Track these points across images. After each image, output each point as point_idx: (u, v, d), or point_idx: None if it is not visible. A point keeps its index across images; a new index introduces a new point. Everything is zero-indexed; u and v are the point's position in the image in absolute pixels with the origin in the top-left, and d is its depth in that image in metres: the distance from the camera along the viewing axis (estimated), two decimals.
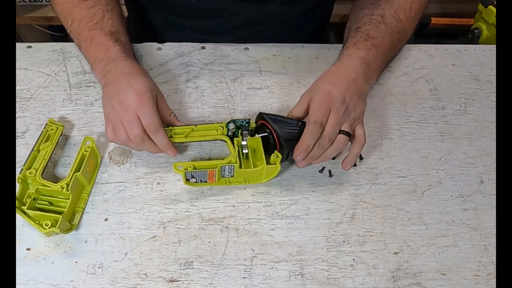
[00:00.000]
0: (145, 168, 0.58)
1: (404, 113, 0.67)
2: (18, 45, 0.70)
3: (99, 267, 0.50)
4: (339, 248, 0.53)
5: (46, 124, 0.58)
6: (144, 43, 0.72)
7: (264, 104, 0.66)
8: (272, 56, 0.72)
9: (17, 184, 0.52)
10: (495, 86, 0.71)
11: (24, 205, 0.51)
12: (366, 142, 0.57)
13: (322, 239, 0.54)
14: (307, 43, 0.74)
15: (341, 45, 0.67)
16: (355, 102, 0.56)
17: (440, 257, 0.53)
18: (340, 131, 0.54)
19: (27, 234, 0.52)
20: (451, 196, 0.58)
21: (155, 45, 0.72)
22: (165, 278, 0.50)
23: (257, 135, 0.56)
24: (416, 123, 0.65)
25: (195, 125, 0.57)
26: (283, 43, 0.74)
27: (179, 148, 0.60)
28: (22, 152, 0.58)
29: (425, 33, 1.22)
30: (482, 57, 0.75)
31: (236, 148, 0.55)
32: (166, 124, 0.57)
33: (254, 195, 0.57)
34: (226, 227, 0.54)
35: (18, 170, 0.56)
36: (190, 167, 0.53)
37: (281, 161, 0.55)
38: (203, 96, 0.66)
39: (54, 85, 0.66)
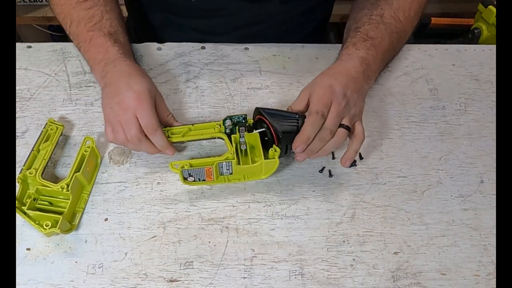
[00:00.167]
0: (145, 168, 0.58)
1: (404, 113, 0.67)
2: (18, 45, 0.70)
3: (99, 267, 0.50)
4: (339, 248, 0.53)
5: (46, 124, 0.58)
6: (144, 43, 0.72)
7: (264, 104, 0.66)
8: (272, 56, 0.72)
9: (17, 184, 0.52)
10: (495, 86, 0.71)
11: (24, 205, 0.51)
12: (366, 142, 0.57)
13: (322, 239, 0.54)
14: (307, 43, 0.74)
15: (341, 45, 0.67)
16: (355, 98, 0.56)
17: (440, 257, 0.53)
18: (340, 125, 0.54)
19: (27, 234, 0.52)
20: (451, 196, 0.58)
21: (155, 45, 0.72)
22: (165, 278, 0.50)
23: (255, 131, 0.55)
24: (416, 123, 0.65)
25: (192, 124, 0.57)
26: (283, 43, 0.74)
27: (179, 149, 0.60)
28: (22, 152, 0.58)
29: (425, 33, 1.22)
30: (482, 57, 0.75)
31: (234, 144, 0.55)
32: (164, 124, 0.57)
33: (254, 195, 0.57)
34: (226, 227, 0.54)
35: (18, 170, 0.56)
36: (186, 165, 0.52)
37: (280, 156, 0.54)
38: (203, 96, 0.66)
39: (54, 85, 0.66)
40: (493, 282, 0.52)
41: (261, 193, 0.57)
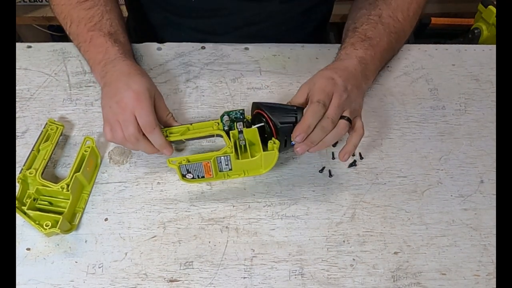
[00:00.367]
0: (145, 168, 0.58)
1: (404, 113, 0.67)
2: (18, 45, 0.70)
3: (99, 267, 0.50)
4: (339, 248, 0.53)
5: (46, 124, 0.58)
6: (144, 43, 0.72)
7: None
8: (272, 56, 0.72)
9: (17, 184, 0.52)
10: (495, 86, 0.71)
11: (24, 205, 0.51)
12: (366, 142, 0.57)
13: (322, 239, 0.54)
14: (307, 43, 0.74)
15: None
16: (355, 93, 0.55)
17: (440, 257, 0.53)
18: (341, 117, 0.53)
19: (27, 234, 0.52)
20: (451, 196, 0.58)
21: (155, 45, 0.72)
22: (165, 278, 0.50)
23: (253, 126, 0.55)
24: (416, 123, 0.65)
25: (191, 124, 0.57)
26: (283, 42, 0.74)
27: (178, 149, 0.60)
28: (22, 152, 0.58)
29: (425, 33, 1.22)
30: (482, 57, 0.75)
31: (232, 140, 0.54)
32: (164, 124, 0.57)
33: (254, 195, 0.57)
34: (226, 227, 0.54)
35: (18, 170, 0.56)
36: (184, 160, 0.52)
37: (280, 150, 0.53)
38: (203, 96, 0.66)
39: (54, 85, 0.66)
40: (493, 282, 0.52)
41: (261, 193, 0.57)
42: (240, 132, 0.54)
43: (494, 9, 1.08)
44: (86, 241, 0.52)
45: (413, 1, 0.65)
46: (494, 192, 0.59)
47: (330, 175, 0.59)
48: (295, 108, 0.54)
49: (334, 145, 0.60)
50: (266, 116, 0.53)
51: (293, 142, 0.53)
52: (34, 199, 0.52)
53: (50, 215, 0.51)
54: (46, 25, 1.34)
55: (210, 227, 0.54)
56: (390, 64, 0.70)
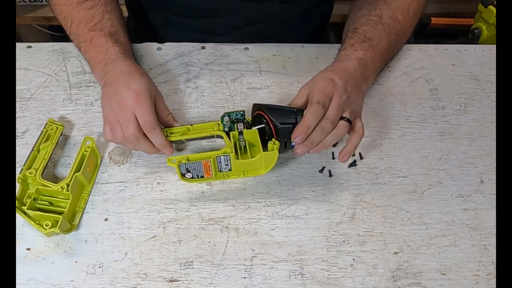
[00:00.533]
0: (145, 168, 0.58)
1: (404, 113, 0.67)
2: (18, 45, 0.70)
3: (99, 267, 0.50)
4: (339, 248, 0.53)
5: (46, 124, 0.58)
6: (144, 43, 0.72)
7: None
8: (272, 56, 0.72)
9: (17, 184, 0.52)
10: (495, 86, 0.71)
11: (24, 205, 0.51)
12: (366, 142, 0.57)
13: (322, 239, 0.54)
14: (307, 43, 0.74)
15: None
16: (355, 94, 0.56)
17: (440, 257, 0.53)
18: (341, 118, 0.54)
19: (27, 234, 0.52)
20: (451, 196, 0.58)
21: (155, 45, 0.72)
22: (165, 278, 0.50)
23: (254, 128, 0.55)
24: (416, 123, 0.65)
25: (191, 124, 0.57)
26: (283, 42, 0.74)
27: (179, 150, 0.60)
28: (22, 152, 0.58)
29: (425, 33, 1.22)
30: (482, 57, 0.75)
31: (232, 141, 0.54)
32: (164, 125, 0.57)
33: (254, 195, 0.57)
34: (226, 227, 0.54)
35: (18, 170, 0.56)
36: (184, 159, 0.52)
37: (280, 151, 0.53)
38: (203, 96, 0.66)
39: (54, 85, 0.66)
40: (493, 282, 0.52)
41: (261, 193, 0.57)
42: (240, 133, 0.54)
43: (494, 9, 1.08)
44: (86, 241, 0.52)
45: (413, 2, 0.65)
46: (494, 192, 0.59)
47: (330, 175, 0.59)
48: (295, 110, 0.54)
49: (334, 145, 0.61)
50: (266, 117, 0.53)
51: (293, 144, 0.53)
52: (34, 199, 0.52)
53: (50, 215, 0.51)
54: (46, 25, 1.34)
55: (210, 227, 0.54)
56: (390, 64, 0.70)
